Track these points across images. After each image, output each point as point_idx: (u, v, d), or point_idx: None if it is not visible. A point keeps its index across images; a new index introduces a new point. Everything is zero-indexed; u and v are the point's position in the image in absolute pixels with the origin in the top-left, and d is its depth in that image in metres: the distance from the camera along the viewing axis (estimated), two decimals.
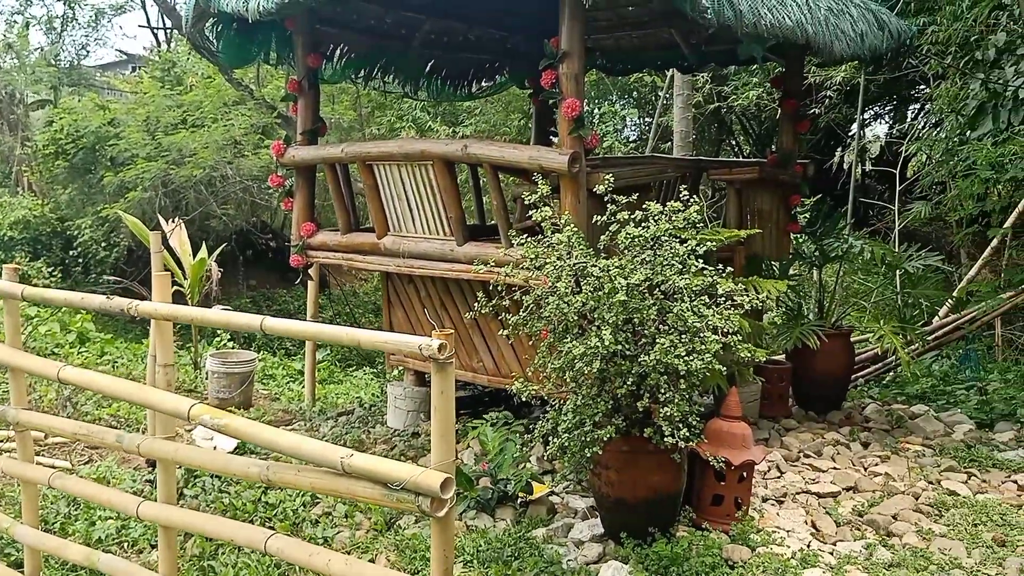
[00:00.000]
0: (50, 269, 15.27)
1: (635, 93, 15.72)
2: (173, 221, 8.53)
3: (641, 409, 3.98)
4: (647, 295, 3.82)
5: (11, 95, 17.60)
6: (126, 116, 16.01)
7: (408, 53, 6.86)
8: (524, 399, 4.09)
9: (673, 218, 3.88)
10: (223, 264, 16.77)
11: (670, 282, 3.80)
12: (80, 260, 15.60)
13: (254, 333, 15.76)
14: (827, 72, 10.73)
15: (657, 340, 3.74)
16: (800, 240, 6.83)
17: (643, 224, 3.89)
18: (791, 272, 6.68)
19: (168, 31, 20.15)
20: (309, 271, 5.88)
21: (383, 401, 6.69)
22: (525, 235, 4.19)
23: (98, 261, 15.65)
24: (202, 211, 16.45)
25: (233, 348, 8.23)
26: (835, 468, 5.27)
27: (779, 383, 6.25)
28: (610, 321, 3.74)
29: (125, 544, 4.62)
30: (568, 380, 3.96)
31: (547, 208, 3.98)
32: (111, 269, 15.80)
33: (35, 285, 15.08)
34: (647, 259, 3.84)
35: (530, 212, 4.01)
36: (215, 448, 5.63)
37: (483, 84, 7.70)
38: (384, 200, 5.23)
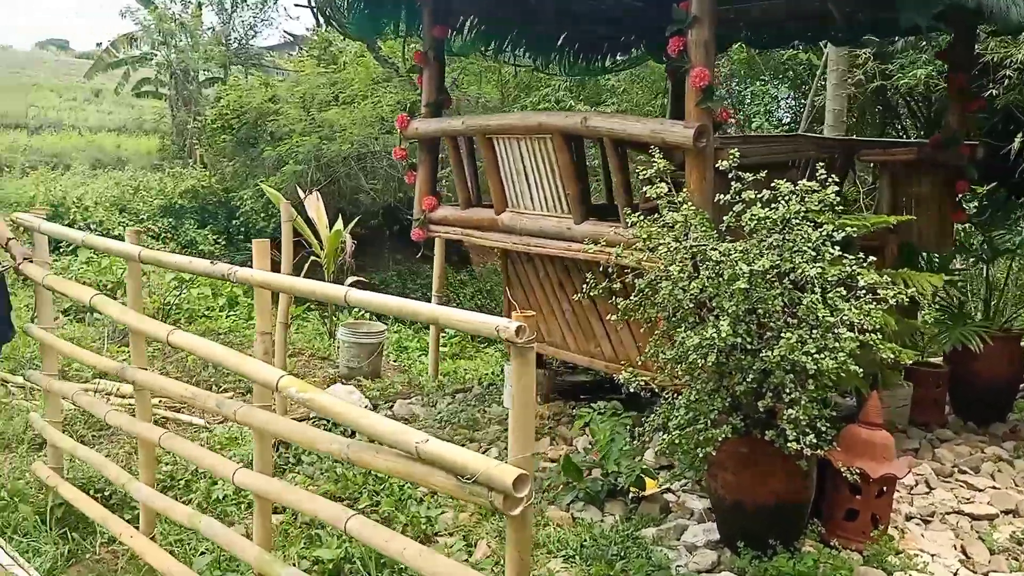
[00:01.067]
0: (215, 237, 16.28)
1: (790, 72, 14.75)
2: (310, 192, 8.73)
3: (763, 409, 3.58)
4: (774, 284, 3.42)
5: (185, 72, 18.81)
6: (285, 93, 16.74)
7: (539, 25, 6.62)
8: (632, 389, 3.79)
9: (807, 199, 3.44)
10: (371, 239, 17.34)
11: (800, 270, 3.37)
12: (242, 229, 16.51)
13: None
14: (1007, 48, 9.55)
15: (783, 334, 3.33)
16: (966, 231, 6.06)
17: (772, 205, 3.48)
18: (953, 266, 5.94)
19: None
20: (432, 246, 5.80)
21: (502, 380, 6.56)
22: (642, 214, 3.86)
23: (257, 231, 16.50)
24: (352, 185, 17.01)
25: (368, 320, 8.34)
26: (994, 487, 4.63)
27: (934, 388, 5.58)
28: (730, 311, 3.37)
29: (242, 505, 4.72)
30: (681, 373, 3.63)
31: (663, 184, 3.64)
32: (269, 238, 16.57)
33: (201, 252, 16.15)
34: (775, 244, 3.43)
35: (645, 189, 3.69)
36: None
37: (617, 58, 7.34)
38: (503, 175, 5.03)
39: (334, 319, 8.62)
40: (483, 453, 4.43)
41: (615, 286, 3.84)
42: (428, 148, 5.59)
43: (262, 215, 16.51)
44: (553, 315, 5.44)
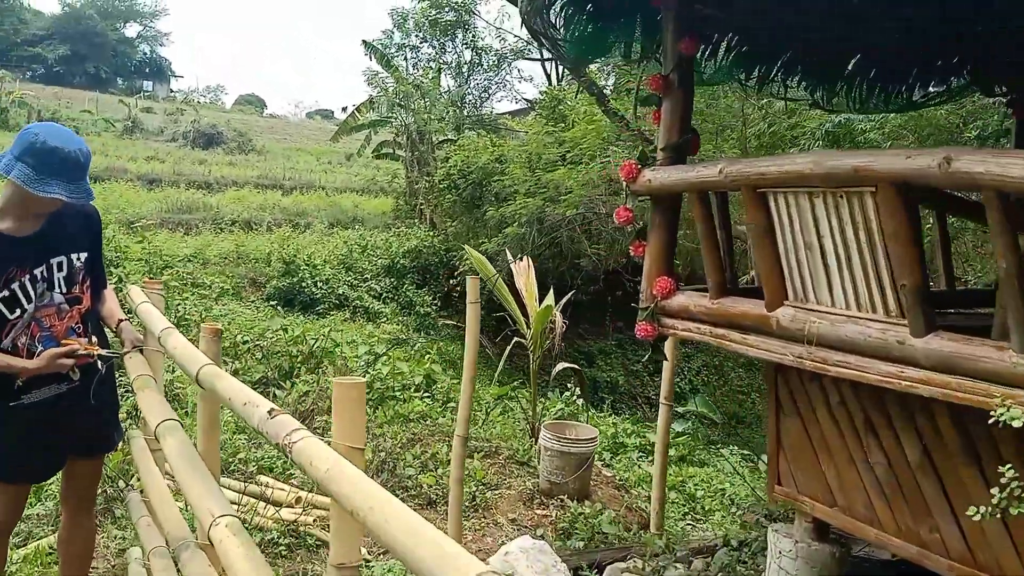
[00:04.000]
0: (431, 298, 15.57)
1: None
2: (520, 258, 7.30)
3: None
4: None
5: (420, 134, 18.63)
6: (511, 153, 15.88)
7: (822, 44, 4.73)
8: None
9: None
10: (592, 304, 15.81)
11: None
12: (458, 290, 15.71)
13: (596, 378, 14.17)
14: None
15: None
16: None
17: None
18: None
19: (561, 71, 20.02)
20: (663, 346, 3.99)
21: (758, 543, 4.55)
22: None
23: None
24: (574, 249, 15.73)
25: (577, 417, 6.67)
26: None
27: None
28: None
29: None
30: None
31: None
32: (484, 301, 15.71)
33: (418, 314, 15.50)
34: None
35: None
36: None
37: (930, 90, 5.21)
38: (784, 250, 3.19)
39: (536, 409, 7.04)
40: None
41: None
42: (664, 208, 3.86)
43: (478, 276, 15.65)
44: (852, 467, 3.42)
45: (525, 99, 26.36)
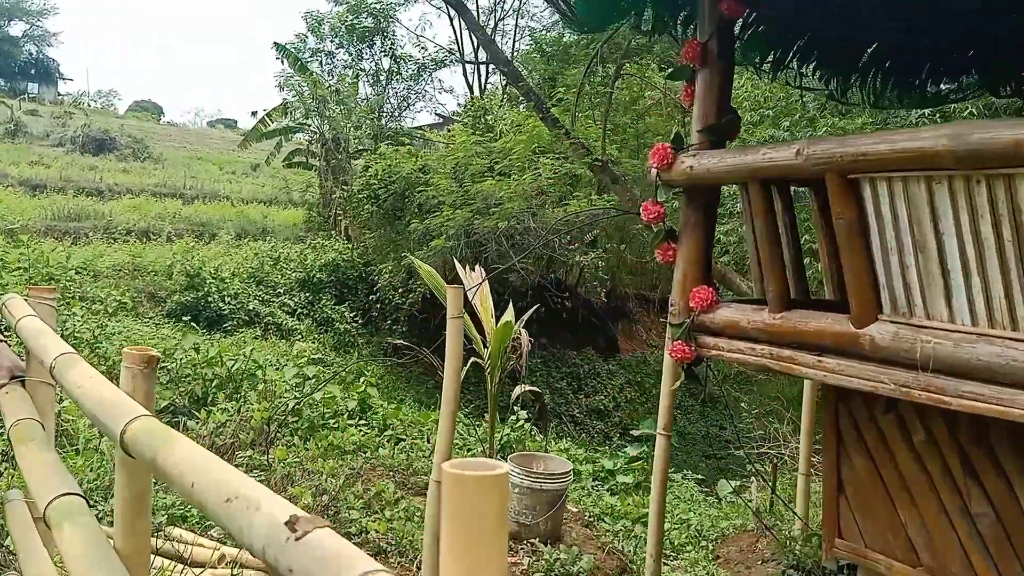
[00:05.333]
0: (351, 314, 14.50)
1: None
2: (473, 270, 6.48)
3: None
4: None
5: (336, 141, 17.55)
6: (435, 163, 15.06)
7: (841, 32, 4.17)
8: None
9: None
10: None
11: None
12: (378, 305, 14.71)
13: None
14: None
15: None
16: None
17: None
18: None
19: (484, 81, 19.35)
20: (695, 368, 3.25)
21: None
22: None
23: (394, 307, 14.67)
24: (501, 264, 15.04)
25: (547, 448, 5.82)
26: None
27: None
28: None
29: None
30: None
31: None
32: (406, 316, 14.78)
33: (337, 331, 14.39)
34: None
35: None
36: None
37: (942, 87, 4.75)
38: (879, 252, 2.52)
39: (493, 438, 6.19)
40: None
41: None
42: (700, 203, 3.15)
43: (399, 291, 14.69)
44: (944, 519, 2.77)
45: (439, 115, 25.59)
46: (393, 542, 4.87)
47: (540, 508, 5.05)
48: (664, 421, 4.36)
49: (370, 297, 14.64)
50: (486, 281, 6.32)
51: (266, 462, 5.51)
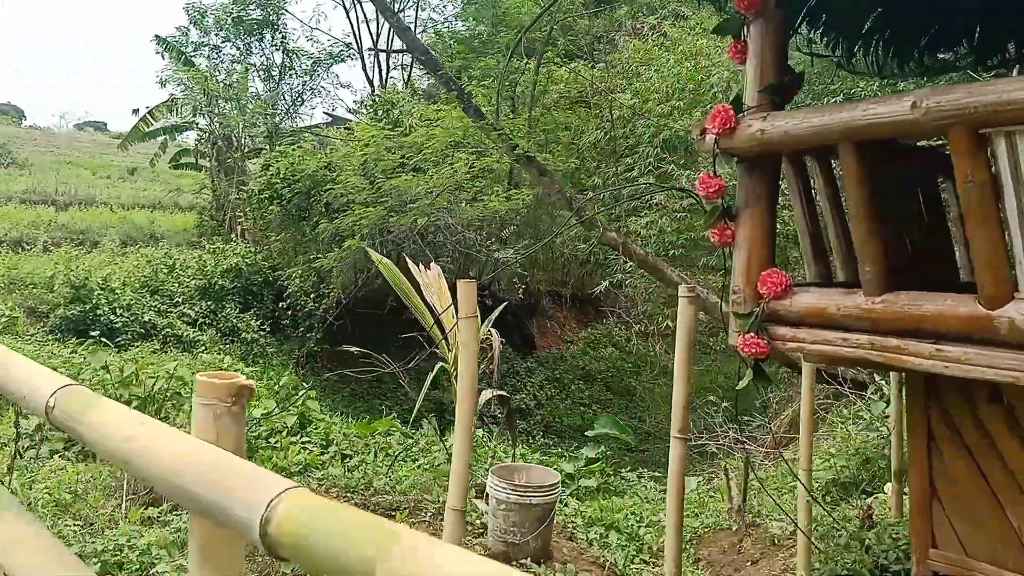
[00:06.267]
0: (259, 322, 13.46)
1: None
2: (428, 267, 5.87)
3: None
4: None
5: (228, 139, 16.35)
6: (342, 160, 14.21)
7: None
8: None
9: None
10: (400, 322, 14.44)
11: None
12: (288, 312, 13.72)
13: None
14: None
15: None
16: None
17: None
18: None
19: (384, 76, 18.55)
20: (763, 364, 2.82)
21: None
22: None
23: (306, 314, 13.73)
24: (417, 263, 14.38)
25: (533, 458, 5.22)
26: None
27: None
28: None
29: None
30: None
31: None
32: (319, 323, 13.88)
33: (243, 341, 13.30)
34: None
35: None
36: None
37: (938, 56, 4.55)
38: (1016, 219, 2.16)
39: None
40: None
41: None
42: (763, 175, 2.72)
43: (312, 296, 13.77)
44: None
45: (328, 113, 24.48)
46: None
47: (529, 525, 4.53)
48: (680, 424, 3.93)
49: (279, 304, 13.64)
50: (443, 278, 5.73)
51: None
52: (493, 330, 5.55)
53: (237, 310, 13.25)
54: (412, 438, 7.35)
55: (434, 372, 5.17)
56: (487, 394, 5.42)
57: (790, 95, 2.83)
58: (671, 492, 3.90)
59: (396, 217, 12.69)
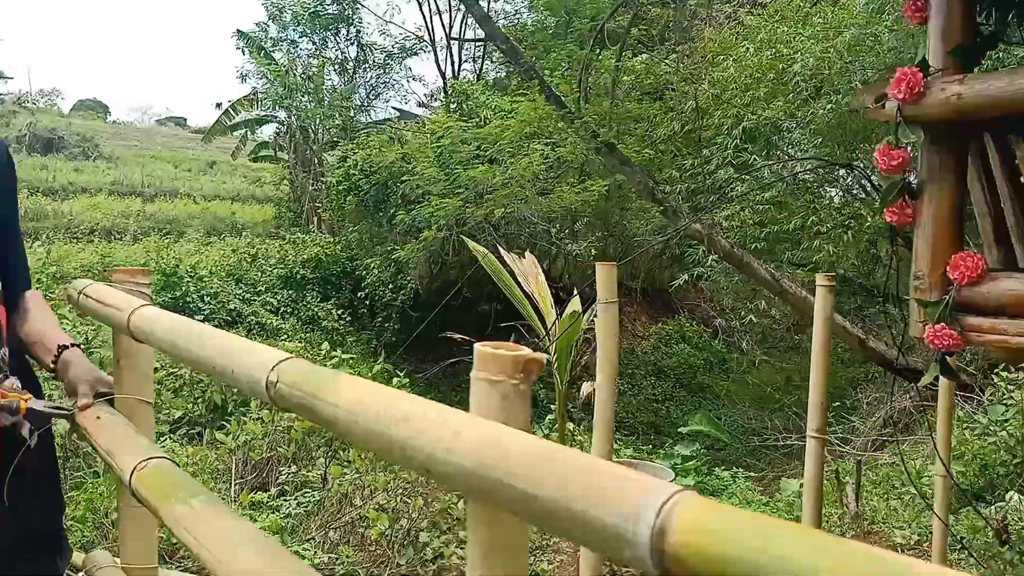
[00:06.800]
0: (339, 311, 13.53)
1: None
2: (522, 255, 5.70)
3: None
4: None
5: (305, 132, 16.49)
6: (418, 153, 14.17)
7: None
8: None
9: None
10: (508, 312, 14.32)
11: None
12: (367, 302, 13.75)
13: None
14: None
15: None
16: None
17: None
18: None
19: (456, 68, 18.47)
20: (948, 360, 2.54)
21: None
22: None
23: (384, 304, 13.74)
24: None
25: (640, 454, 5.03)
26: None
27: None
28: None
29: None
30: None
31: None
32: (397, 313, 13.87)
33: (324, 329, 13.40)
34: None
35: None
36: None
37: None
38: None
39: (564, 444, 5.45)
40: None
41: None
42: (956, 144, 2.46)
43: (389, 287, 13.77)
44: None
45: (395, 108, 24.54)
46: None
47: None
48: (819, 421, 3.66)
49: (358, 294, 13.69)
50: (539, 268, 5.55)
51: (313, 478, 4.66)
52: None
53: (317, 299, 13.36)
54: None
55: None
56: (587, 387, 5.21)
57: (979, 58, 2.54)
58: (808, 495, 3.64)
59: (472, 208, 12.57)
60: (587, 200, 13.01)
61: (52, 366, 1.73)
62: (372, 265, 13.61)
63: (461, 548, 4.33)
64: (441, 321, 12.66)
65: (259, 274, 13.38)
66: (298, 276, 13.58)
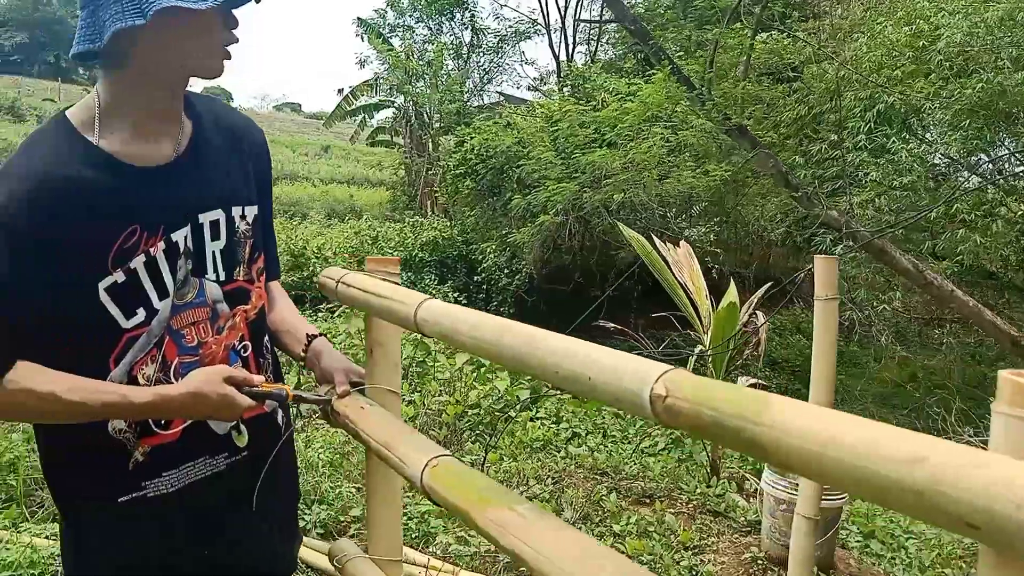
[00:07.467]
0: (455, 294, 13.62)
1: None
2: (677, 243, 5.47)
3: None
4: None
5: (420, 116, 16.64)
6: (533, 138, 14.04)
7: None
8: None
9: None
10: (620, 301, 14.06)
11: None
12: (483, 286, 13.78)
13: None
14: None
15: None
16: None
17: None
18: None
19: (571, 51, 18.20)
20: None
21: None
22: None
23: (499, 289, 13.73)
24: (605, 240, 14.12)
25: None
26: None
27: None
28: None
29: None
30: None
31: None
32: (511, 297, 13.85)
33: None
34: None
35: None
36: None
37: None
38: None
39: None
40: None
41: None
42: None
43: (505, 271, 13.74)
44: None
45: (500, 92, 24.44)
46: (659, 565, 3.92)
47: (814, 531, 4.04)
48: None
49: (473, 277, 13.75)
50: (694, 257, 5.30)
51: (471, 463, 4.61)
52: (759, 313, 5.07)
53: (435, 282, 13.49)
54: (626, 420, 7.01)
55: (693, 357, 4.76)
56: (744, 381, 4.95)
57: None
58: None
59: (589, 193, 12.35)
60: (708, 185, 12.57)
61: (302, 355, 1.69)
62: (488, 249, 13.62)
63: (615, 541, 4.19)
64: (551, 308, 12.55)
65: (380, 255, 13.62)
66: (417, 258, 13.75)
